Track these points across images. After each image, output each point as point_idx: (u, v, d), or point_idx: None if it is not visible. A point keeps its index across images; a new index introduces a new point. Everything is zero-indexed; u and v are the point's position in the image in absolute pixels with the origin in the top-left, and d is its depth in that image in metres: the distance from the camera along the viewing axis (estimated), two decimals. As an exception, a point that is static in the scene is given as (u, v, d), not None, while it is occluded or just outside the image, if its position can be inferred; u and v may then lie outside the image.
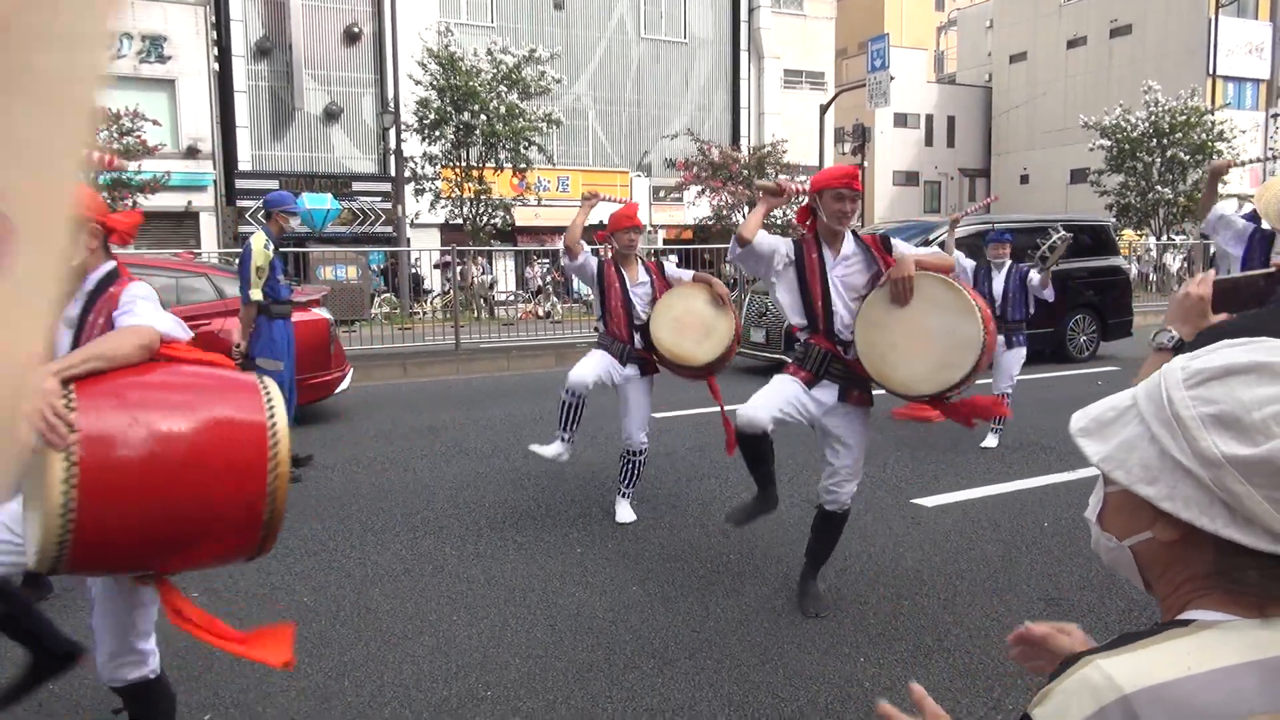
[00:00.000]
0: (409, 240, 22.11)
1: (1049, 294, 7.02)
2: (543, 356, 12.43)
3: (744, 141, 29.15)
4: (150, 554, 2.06)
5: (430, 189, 20.63)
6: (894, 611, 3.91)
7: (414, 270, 20.99)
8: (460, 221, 20.96)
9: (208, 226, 23.16)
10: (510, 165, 20.29)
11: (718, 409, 5.21)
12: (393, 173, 22.73)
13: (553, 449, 5.03)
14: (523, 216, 22.84)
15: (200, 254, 17.34)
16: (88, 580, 2.37)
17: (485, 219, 20.77)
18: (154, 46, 22.47)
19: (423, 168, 20.41)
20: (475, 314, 16.44)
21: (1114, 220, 20.50)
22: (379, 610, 3.98)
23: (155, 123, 18.71)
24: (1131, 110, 25.87)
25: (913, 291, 3.63)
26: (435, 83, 19.70)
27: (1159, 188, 25.39)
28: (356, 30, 25.19)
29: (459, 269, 16.11)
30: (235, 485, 2.01)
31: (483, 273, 19.72)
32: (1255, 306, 1.94)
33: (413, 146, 20.95)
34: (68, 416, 1.84)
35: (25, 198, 0.70)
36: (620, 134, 29.41)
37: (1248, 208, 5.32)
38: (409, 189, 21.10)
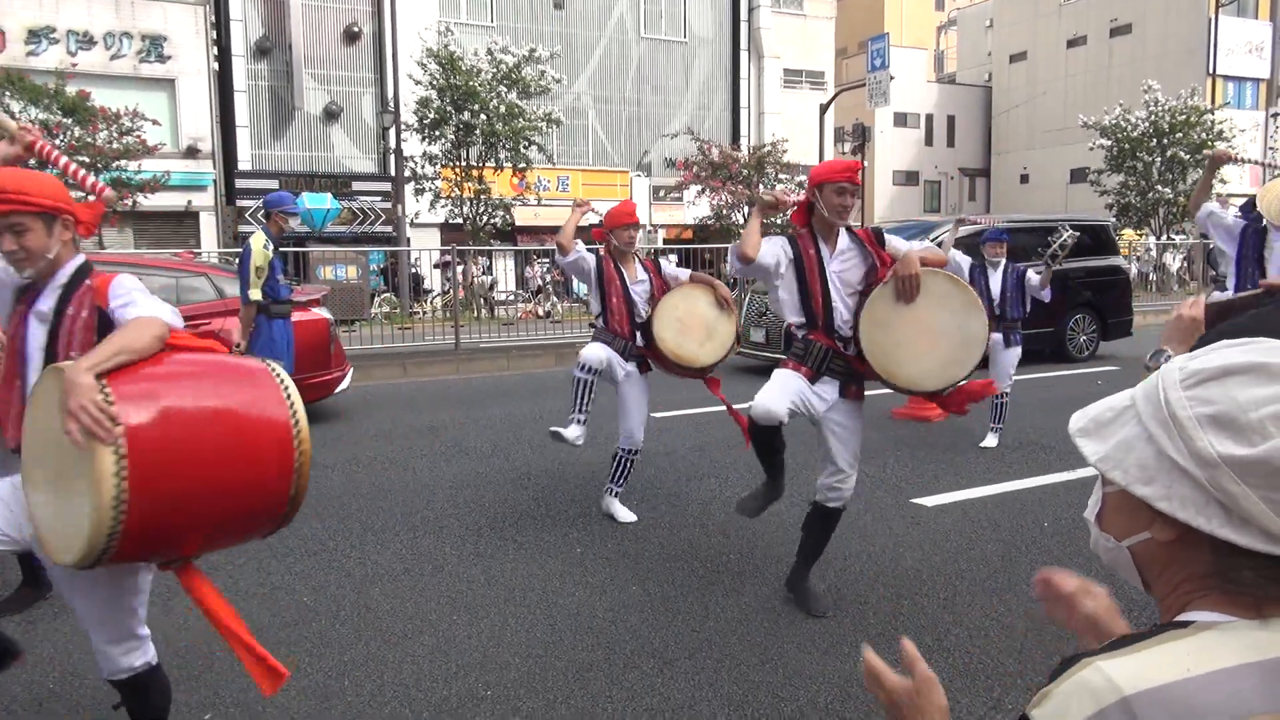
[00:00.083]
0: (409, 240, 22.11)
1: (1046, 294, 7.03)
2: (542, 356, 12.43)
3: (744, 141, 29.15)
4: (189, 539, 2.12)
5: (430, 189, 20.63)
6: (894, 611, 3.91)
7: (414, 270, 20.99)
8: (460, 221, 20.96)
9: (208, 226, 23.17)
10: (510, 165, 20.28)
11: (717, 409, 5.22)
12: (393, 172, 22.74)
13: (574, 430, 5.00)
14: (522, 216, 22.85)
15: (200, 254, 17.34)
16: (58, 583, 2.32)
17: (485, 219, 20.77)
18: (154, 46, 22.47)
19: (422, 167, 20.41)
20: (475, 314, 16.45)
21: (1114, 220, 20.51)
22: (379, 610, 3.98)
23: (155, 122, 18.71)
24: (1131, 110, 25.88)
25: (919, 289, 3.62)
26: (435, 82, 19.70)
27: (1159, 187, 25.41)
28: (356, 30, 25.19)
29: (459, 268, 16.12)
30: (267, 464, 2.10)
31: (483, 273, 19.72)
32: None
33: (413, 146, 20.95)
34: (111, 411, 1.88)
35: None
36: (620, 133, 29.41)
37: (1234, 206, 5.32)
38: (409, 189, 21.11)
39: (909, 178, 42.02)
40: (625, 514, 5.17)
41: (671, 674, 3.35)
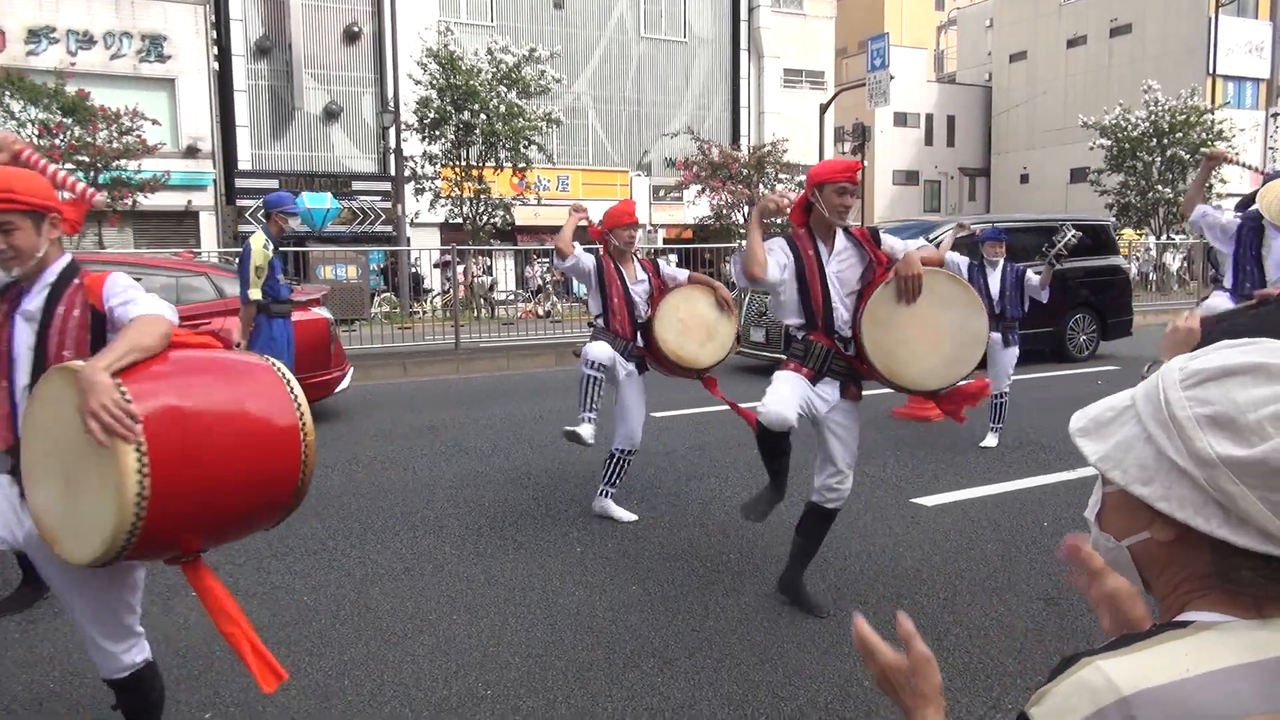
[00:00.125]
0: (409, 239, 22.11)
1: (1045, 295, 7.03)
2: (542, 356, 12.43)
3: (744, 141, 29.15)
4: (204, 532, 2.16)
5: (430, 188, 20.63)
6: (894, 611, 3.90)
7: (414, 270, 20.99)
8: (460, 221, 20.96)
9: (207, 226, 23.17)
10: (510, 165, 20.28)
11: (717, 408, 5.22)
12: (392, 172, 22.74)
13: (587, 429, 4.99)
14: (522, 216, 22.84)
15: (200, 253, 17.34)
16: (55, 584, 2.30)
17: (485, 218, 20.77)
18: (154, 46, 22.47)
19: (422, 167, 20.41)
20: (475, 313, 16.45)
21: (1114, 220, 20.51)
22: (379, 609, 3.98)
23: (155, 122, 18.72)
24: (1131, 110, 25.88)
25: (921, 289, 3.61)
26: (435, 82, 19.70)
27: (1159, 187, 25.41)
28: (356, 30, 25.19)
29: (459, 268, 16.11)
30: (276, 454, 2.14)
31: (483, 273, 19.72)
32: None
33: (413, 146, 20.95)
34: (131, 409, 1.90)
35: None
36: (620, 133, 29.41)
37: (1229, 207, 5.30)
38: (409, 188, 21.11)
39: (909, 177, 42.03)
40: (624, 513, 5.17)
41: (671, 673, 3.35)
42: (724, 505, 5.49)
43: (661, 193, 29.17)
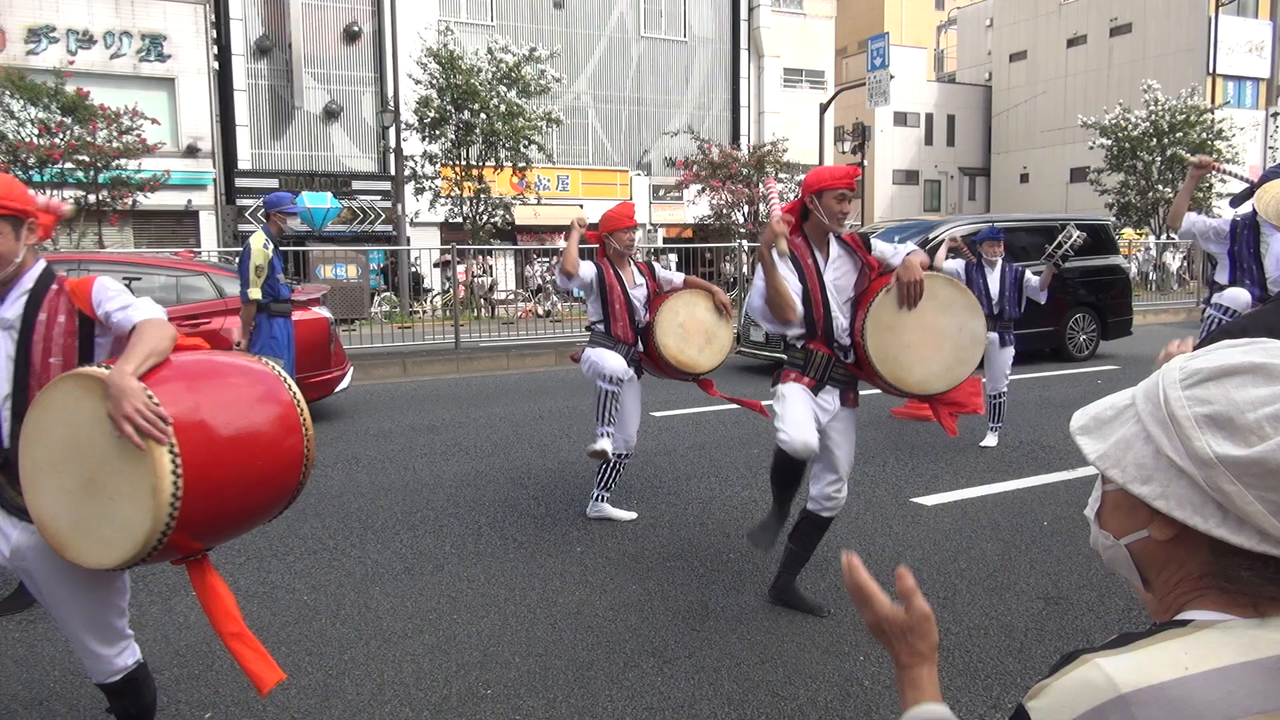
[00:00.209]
0: (409, 239, 22.10)
1: (1044, 296, 7.02)
2: (543, 355, 12.43)
3: (744, 140, 29.15)
4: (225, 528, 2.21)
5: (430, 188, 20.62)
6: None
7: (414, 269, 20.99)
8: (460, 220, 20.96)
9: (207, 225, 23.17)
10: (510, 164, 20.28)
11: (716, 408, 5.22)
12: (392, 171, 22.74)
13: (608, 443, 4.98)
14: (522, 215, 22.84)
15: (200, 253, 17.34)
16: (43, 595, 2.28)
17: (485, 218, 20.77)
18: (154, 45, 22.47)
19: (422, 167, 20.41)
20: (475, 313, 16.44)
21: (1114, 219, 20.50)
22: (379, 608, 3.98)
23: (154, 121, 18.70)
24: (1131, 109, 25.88)
25: (923, 293, 3.61)
26: (435, 82, 19.69)
27: (1159, 187, 25.41)
28: (356, 29, 25.19)
29: (460, 267, 16.10)
30: (284, 450, 2.21)
31: (482, 273, 19.72)
32: None
33: (413, 145, 20.94)
34: (162, 411, 1.94)
35: None
36: (620, 132, 29.41)
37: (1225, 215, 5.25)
38: (409, 188, 21.11)
39: (909, 177, 42.02)
40: (623, 513, 5.16)
41: (671, 673, 3.35)
42: (724, 505, 5.49)
43: (661, 192, 29.16)
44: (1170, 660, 0.82)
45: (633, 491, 5.60)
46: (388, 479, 6.19)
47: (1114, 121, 25.91)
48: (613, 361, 4.90)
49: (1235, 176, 5.62)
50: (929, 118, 42.43)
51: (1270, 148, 36.05)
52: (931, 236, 10.63)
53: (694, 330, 5.01)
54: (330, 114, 25.08)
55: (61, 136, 17.16)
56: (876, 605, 1.09)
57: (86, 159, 17.41)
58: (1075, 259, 11.07)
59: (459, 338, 12.80)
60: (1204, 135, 25.17)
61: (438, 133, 19.99)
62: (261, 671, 2.19)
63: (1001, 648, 3.55)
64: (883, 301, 3.63)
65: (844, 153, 32.06)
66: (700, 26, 30.35)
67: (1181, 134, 25.12)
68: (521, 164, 20.36)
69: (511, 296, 19.79)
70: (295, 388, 2.27)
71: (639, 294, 5.07)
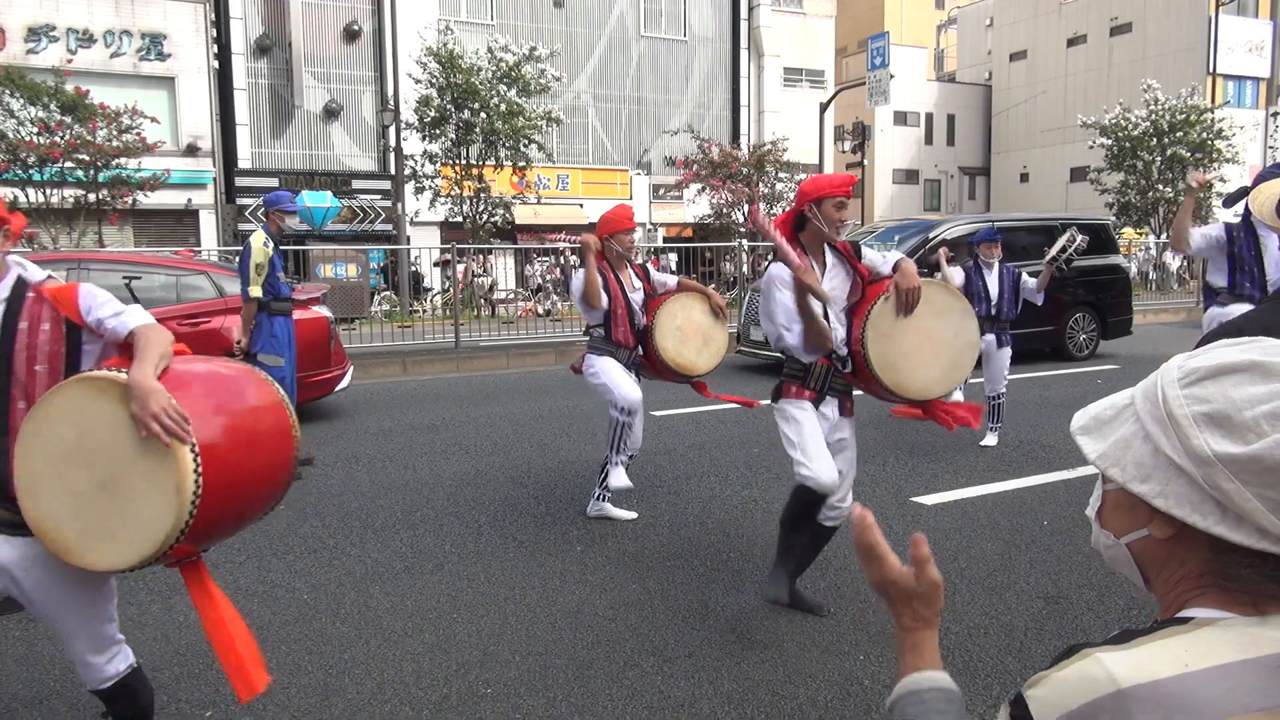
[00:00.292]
0: (409, 238, 22.10)
1: (1041, 298, 7.00)
2: (542, 354, 12.44)
3: (744, 140, 29.15)
4: (228, 527, 2.27)
5: (430, 187, 20.63)
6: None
7: (414, 268, 21.00)
8: (460, 220, 20.97)
9: (207, 224, 23.18)
10: (510, 163, 20.28)
11: (716, 407, 5.21)
12: (392, 171, 22.74)
13: (625, 477, 4.97)
14: (522, 215, 22.84)
15: (200, 252, 17.34)
16: (33, 605, 2.27)
17: (485, 217, 20.77)
18: (154, 44, 22.47)
19: (422, 166, 20.40)
20: (475, 312, 16.44)
21: (1114, 219, 20.49)
22: (379, 608, 3.99)
23: (154, 120, 18.69)
24: (1131, 109, 25.88)
25: (920, 301, 3.60)
26: (435, 81, 19.69)
27: (1159, 186, 25.40)
28: (356, 28, 25.19)
29: (460, 267, 16.10)
30: (278, 447, 2.28)
31: (482, 272, 19.72)
32: None
33: (413, 145, 20.94)
34: (183, 411, 1.99)
35: None
36: (620, 132, 29.41)
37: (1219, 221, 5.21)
38: (409, 187, 21.11)
39: (909, 176, 42.03)
40: (623, 512, 5.16)
41: (671, 672, 3.36)
42: (724, 504, 5.50)
43: (661, 191, 29.16)
44: (1170, 657, 0.82)
45: (633, 491, 5.59)
46: (388, 478, 6.19)
47: (1114, 121, 25.90)
48: (628, 390, 4.84)
49: (1222, 180, 5.53)
50: (929, 117, 42.43)
51: (1270, 147, 36.05)
52: (931, 236, 10.63)
53: (691, 333, 5.01)
54: (330, 113, 25.08)
55: (61, 135, 17.16)
56: (886, 565, 1.07)
57: (86, 158, 17.42)
58: (1075, 259, 11.09)
59: (459, 337, 12.80)
60: (1204, 135, 25.16)
61: (438, 132, 20.00)
62: (240, 682, 2.19)
63: (1001, 647, 3.55)
64: (881, 309, 3.62)
65: (844, 152, 32.11)
66: (700, 26, 30.35)
67: (1181, 134, 25.11)
68: (521, 163, 20.37)
69: (511, 296, 19.80)
70: (282, 392, 2.35)
71: (637, 298, 5.06)
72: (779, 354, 3.81)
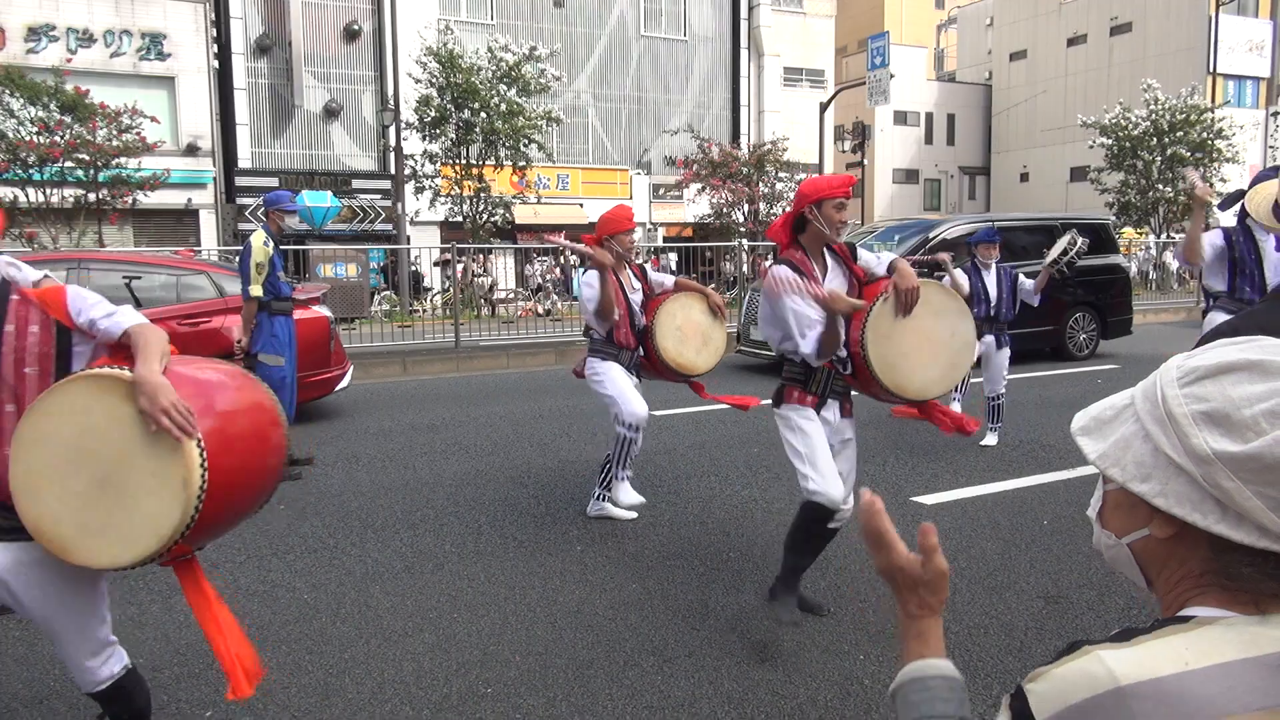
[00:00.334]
0: (409, 238, 22.10)
1: (1037, 299, 6.99)
2: (543, 354, 12.44)
3: (744, 139, 29.15)
4: (227, 522, 2.28)
5: (430, 186, 20.63)
6: (893, 609, 3.91)
7: (414, 268, 21.01)
8: (460, 219, 20.98)
9: (208, 224, 23.18)
10: (510, 163, 20.29)
11: (716, 407, 5.21)
12: (392, 170, 22.74)
13: (632, 493, 4.96)
14: (522, 214, 22.84)
15: (200, 251, 17.34)
16: (26, 609, 2.26)
17: (485, 217, 20.78)
18: (154, 44, 22.47)
19: (422, 166, 20.41)
20: (475, 312, 16.45)
21: (1114, 218, 20.49)
22: (379, 607, 3.99)
23: (154, 119, 18.69)
24: (1131, 108, 25.87)
25: (918, 301, 3.60)
26: (435, 81, 19.70)
27: (1159, 186, 25.40)
28: (356, 28, 25.19)
29: (460, 266, 16.09)
30: (271, 445, 2.32)
31: (482, 272, 19.71)
32: None
33: (413, 144, 20.94)
34: (190, 407, 2.02)
35: None
36: (620, 131, 29.42)
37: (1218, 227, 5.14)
38: (409, 186, 21.12)
39: (909, 176, 42.04)
40: (623, 511, 5.15)
41: (671, 671, 3.36)
42: (723, 503, 5.50)
43: (661, 191, 29.17)
44: (1171, 655, 0.82)
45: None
46: (388, 478, 6.19)
47: (1114, 121, 25.90)
48: (637, 406, 4.82)
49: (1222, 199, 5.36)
50: (929, 117, 42.43)
51: (1270, 147, 36.04)
52: (931, 236, 10.63)
53: (691, 333, 5.01)
54: (330, 113, 25.08)
55: (61, 135, 17.16)
56: (894, 552, 1.07)
57: (86, 157, 17.41)
58: (1077, 262, 11.08)
59: (459, 337, 12.80)
60: (1204, 135, 25.15)
61: (438, 131, 20.00)
62: (237, 679, 2.23)
63: (1001, 646, 3.55)
64: (880, 310, 3.61)
65: (844, 152, 32.12)
66: (700, 25, 30.35)
67: (1182, 133, 25.10)
68: (521, 163, 20.37)
69: (511, 295, 19.81)
70: (269, 390, 2.41)
71: (637, 298, 5.05)
72: (779, 355, 3.79)
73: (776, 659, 3.45)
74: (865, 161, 30.94)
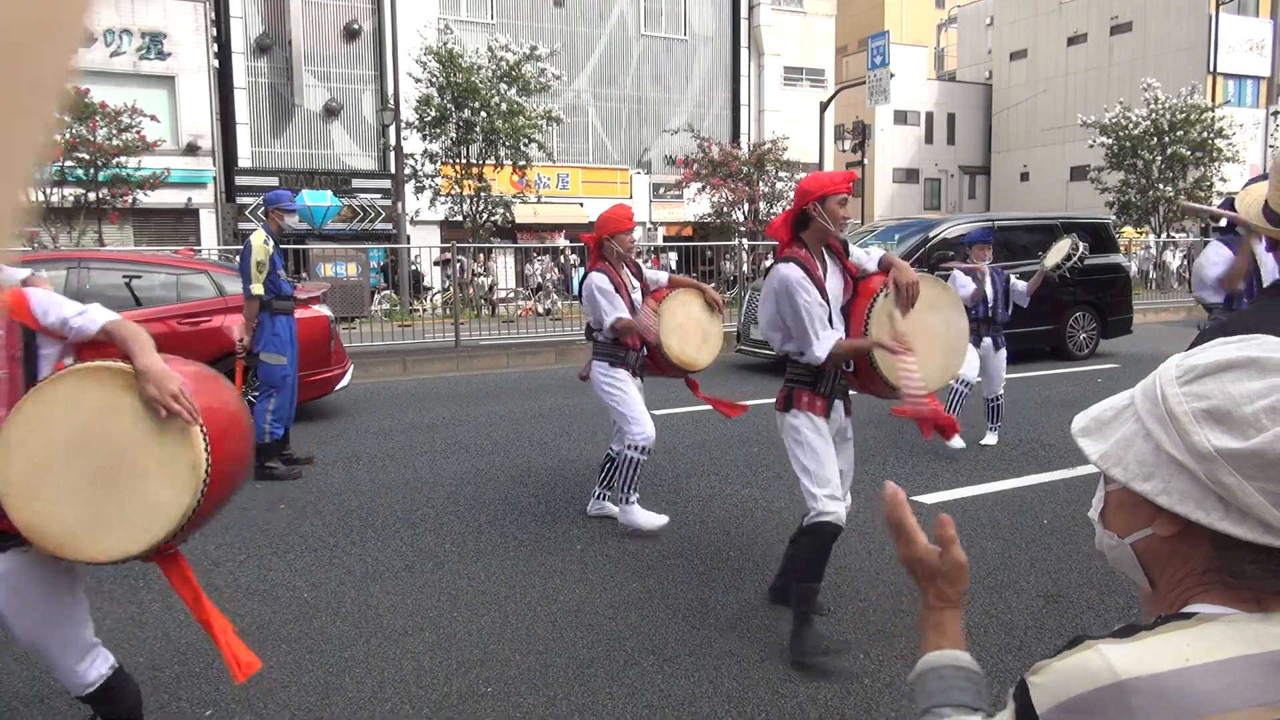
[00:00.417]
0: (409, 237, 22.09)
1: (1026, 300, 6.96)
2: (543, 353, 12.44)
3: (744, 139, 29.15)
4: (212, 511, 2.32)
5: (430, 186, 20.63)
6: (893, 609, 3.92)
7: (414, 267, 21.02)
8: (460, 219, 20.98)
9: (208, 223, 23.18)
10: (510, 162, 20.29)
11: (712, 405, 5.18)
12: (393, 170, 22.74)
13: (646, 513, 4.92)
14: (522, 214, 22.84)
15: (200, 251, 17.34)
16: (8, 621, 2.25)
17: (485, 216, 20.78)
18: (154, 43, 22.47)
19: (422, 165, 20.41)
20: (475, 311, 16.45)
21: (1114, 218, 20.49)
22: (379, 606, 3.99)
23: (154, 118, 18.68)
24: (1131, 108, 25.87)
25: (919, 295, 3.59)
26: (435, 80, 19.70)
27: (1159, 185, 25.40)
28: (356, 27, 25.19)
29: (460, 265, 16.08)
30: (246, 440, 2.42)
31: (483, 273, 19.71)
32: None
33: (413, 144, 20.94)
34: (192, 395, 2.08)
35: None
36: (620, 131, 29.41)
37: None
38: (409, 186, 21.13)
39: (909, 175, 42.04)
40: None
41: (672, 670, 3.36)
42: (723, 502, 5.50)
43: (661, 190, 29.16)
44: (1172, 651, 0.83)
45: (635, 491, 5.59)
46: (388, 477, 6.20)
47: (1114, 120, 25.89)
48: (648, 426, 4.80)
49: (1212, 212, 5.24)
50: (929, 116, 42.43)
51: (1271, 146, 36.01)
52: (931, 235, 10.63)
53: (691, 329, 5.02)
54: (330, 112, 25.08)
55: (61, 134, 17.15)
56: (914, 543, 1.10)
57: (86, 156, 17.41)
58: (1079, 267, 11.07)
59: (459, 336, 12.80)
60: (1204, 134, 25.15)
61: (438, 131, 20.00)
62: (236, 661, 2.26)
63: (1001, 645, 3.55)
64: (883, 306, 3.60)
65: (844, 151, 32.10)
66: (701, 24, 30.35)
67: (1182, 133, 25.09)
68: (521, 162, 20.37)
69: (511, 295, 19.81)
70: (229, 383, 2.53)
71: (637, 297, 5.06)
72: (785, 355, 3.75)
73: (777, 658, 3.45)
74: (865, 161, 30.93)
